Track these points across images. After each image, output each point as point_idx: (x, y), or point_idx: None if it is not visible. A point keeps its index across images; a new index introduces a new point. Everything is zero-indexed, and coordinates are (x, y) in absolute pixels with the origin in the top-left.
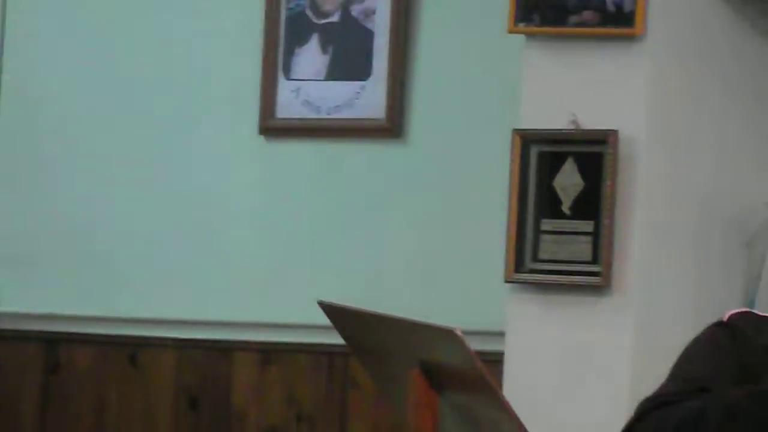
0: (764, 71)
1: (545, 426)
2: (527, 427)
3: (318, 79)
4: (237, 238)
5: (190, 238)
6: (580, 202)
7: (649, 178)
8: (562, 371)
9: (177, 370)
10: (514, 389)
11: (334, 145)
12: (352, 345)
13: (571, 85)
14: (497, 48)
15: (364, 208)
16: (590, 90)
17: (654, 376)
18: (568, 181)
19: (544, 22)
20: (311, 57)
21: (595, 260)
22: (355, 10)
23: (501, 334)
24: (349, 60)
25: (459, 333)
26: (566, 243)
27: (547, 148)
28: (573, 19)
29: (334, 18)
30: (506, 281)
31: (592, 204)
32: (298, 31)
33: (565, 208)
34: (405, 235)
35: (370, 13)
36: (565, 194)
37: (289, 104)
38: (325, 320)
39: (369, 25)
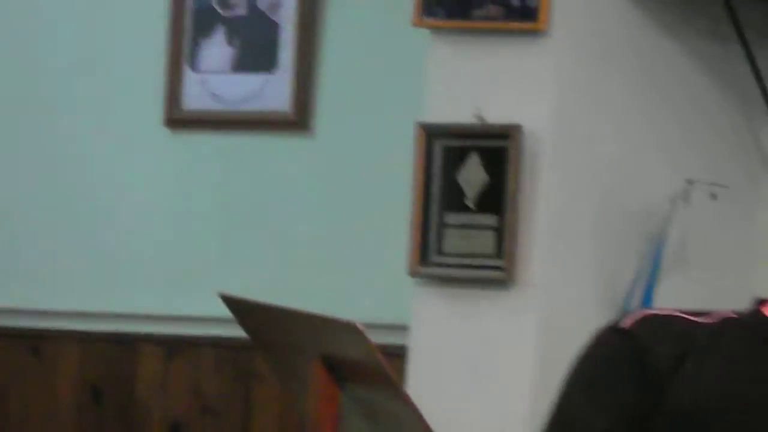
0: (665, 66)
1: (448, 419)
2: (430, 420)
3: (224, 71)
4: (142, 230)
5: (94, 229)
6: (484, 197)
7: (553, 172)
8: (466, 365)
9: (80, 363)
10: (418, 383)
11: (240, 137)
12: (254, 338)
13: (476, 80)
14: (403, 41)
15: (269, 200)
16: (495, 84)
17: (557, 369)
18: (473, 176)
19: (449, 15)
20: (217, 49)
21: (498, 254)
22: (262, 2)
23: (405, 328)
24: (255, 52)
25: (359, 326)
26: (470, 237)
27: (451, 142)
28: (478, 13)
29: (241, 10)
30: (410, 275)
31: (496, 198)
32: (205, 23)
33: (470, 202)
34: (310, 228)
35: (276, 5)
36: (470, 188)
37: (196, 96)
38: (229, 313)
39: (275, 18)
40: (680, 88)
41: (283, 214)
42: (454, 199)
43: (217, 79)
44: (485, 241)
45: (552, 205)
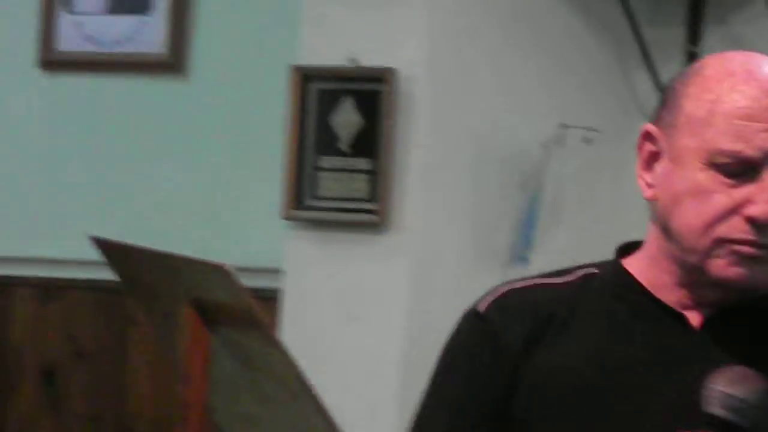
0: (540, 11)
1: (322, 362)
2: (303, 363)
3: (99, 12)
4: (15, 172)
5: None
6: (358, 140)
7: (427, 116)
8: (339, 308)
9: None
10: (292, 326)
11: (114, 79)
12: (125, 281)
13: (351, 23)
14: None
15: (144, 143)
16: (369, 28)
17: (429, 314)
18: (347, 119)
19: None
20: None
21: (372, 198)
22: None
23: (279, 272)
24: None
25: (229, 269)
26: (344, 181)
27: (325, 86)
28: None
29: None
30: (284, 218)
31: (371, 142)
32: None
33: (344, 145)
34: (185, 171)
35: None
36: (344, 132)
37: (70, 38)
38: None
39: None
40: (555, 33)
41: (157, 157)
42: (328, 142)
43: (91, 20)
44: (359, 185)
45: (426, 149)
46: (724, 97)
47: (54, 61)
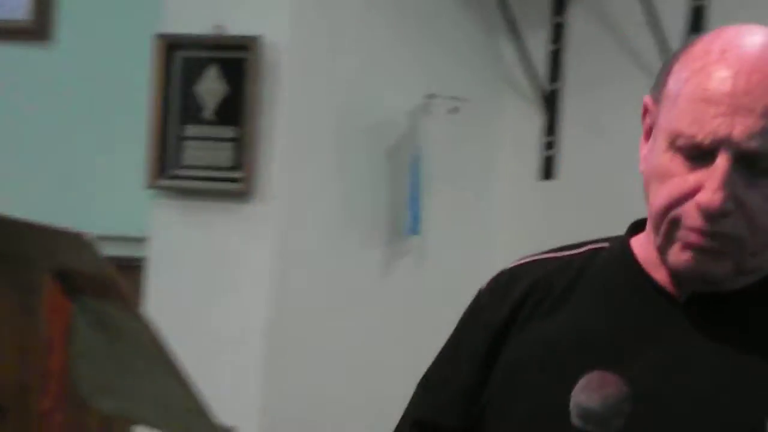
0: None
1: (187, 331)
2: (168, 332)
3: None
4: None
5: None
6: (223, 109)
7: (292, 85)
8: (205, 277)
9: None
10: (157, 295)
11: None
12: None
13: None
14: None
15: (7, 110)
16: None
17: (293, 283)
18: (212, 87)
19: None
20: None
21: (237, 167)
22: None
23: (144, 240)
24: None
25: (88, 237)
26: (209, 149)
27: (190, 54)
28: None
29: None
30: (148, 187)
31: (236, 110)
32: None
33: (209, 114)
34: (49, 139)
35: None
36: (209, 100)
37: None
38: None
39: None
40: (422, 2)
41: (20, 125)
42: (193, 111)
43: None
44: (224, 153)
45: (292, 117)
46: (692, 77)
47: None
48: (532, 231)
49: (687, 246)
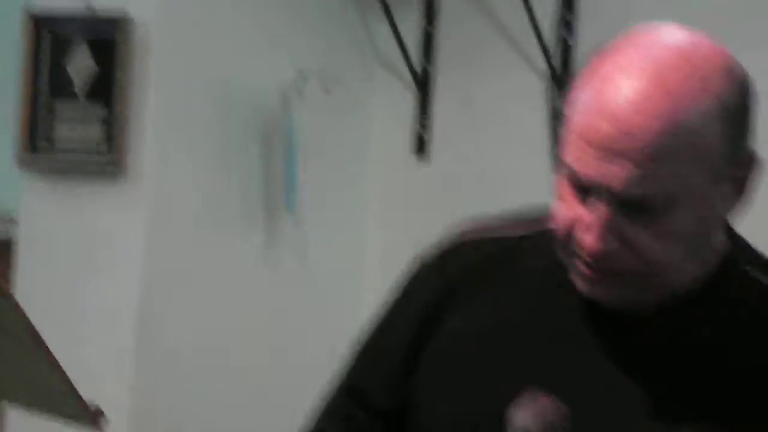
0: None
1: (58, 312)
2: (39, 313)
3: None
4: None
5: None
6: (94, 87)
7: (163, 64)
8: (76, 257)
9: None
10: (27, 276)
11: None
12: None
13: None
14: None
15: None
16: None
17: (166, 263)
18: (82, 65)
19: None
20: None
21: (108, 146)
22: None
23: (15, 220)
24: None
25: None
26: (80, 128)
27: (59, 31)
28: None
29: None
30: (18, 166)
31: (107, 89)
32: None
33: (79, 92)
34: None
35: None
36: (79, 78)
37: None
38: None
39: None
40: None
41: None
42: (63, 88)
43: None
44: (95, 132)
45: (163, 96)
46: (580, 109)
47: None
48: (406, 210)
49: (581, 275)
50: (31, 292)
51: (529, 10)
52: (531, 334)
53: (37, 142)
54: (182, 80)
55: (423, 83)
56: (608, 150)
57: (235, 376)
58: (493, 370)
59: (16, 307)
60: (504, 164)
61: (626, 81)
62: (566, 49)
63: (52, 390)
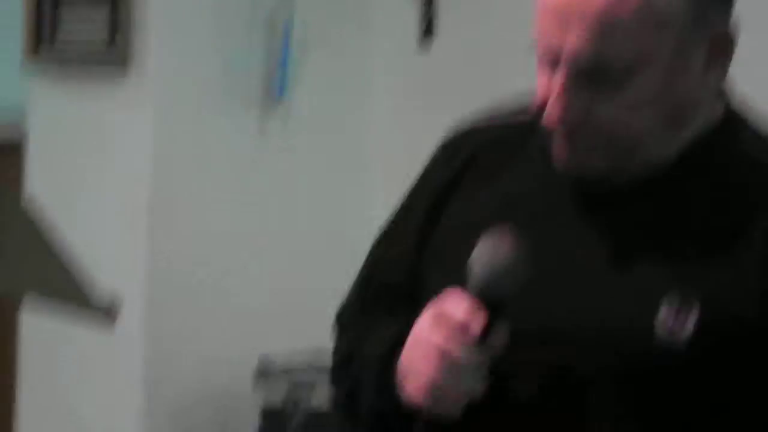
0: None
1: (70, 210)
2: (51, 207)
3: None
4: None
5: None
6: None
7: None
8: (86, 151)
9: None
10: (38, 174)
11: None
12: None
13: None
14: None
15: None
16: None
17: (174, 153)
18: None
19: None
20: None
21: (113, 38)
22: None
23: (24, 118)
24: None
25: None
26: (85, 23)
27: None
28: None
29: None
30: (25, 64)
31: None
32: None
33: None
34: None
35: None
36: None
37: None
38: None
39: None
40: None
41: None
42: None
43: None
44: (99, 26)
45: None
46: None
47: None
48: (411, 91)
49: (556, 151)
50: (42, 188)
51: None
52: (525, 211)
53: (43, 38)
54: None
55: None
56: (564, 16)
57: (246, 257)
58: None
59: (26, 204)
60: (511, 42)
61: None
62: None
63: (67, 283)
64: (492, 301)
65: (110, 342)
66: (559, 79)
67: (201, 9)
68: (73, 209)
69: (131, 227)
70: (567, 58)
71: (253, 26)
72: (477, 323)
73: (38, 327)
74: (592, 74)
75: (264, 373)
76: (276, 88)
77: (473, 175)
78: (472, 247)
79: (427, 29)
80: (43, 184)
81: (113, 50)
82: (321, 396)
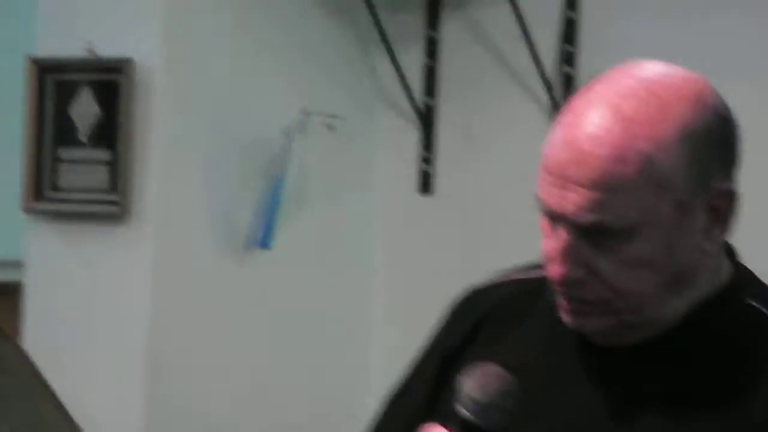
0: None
1: (66, 356)
2: (47, 357)
3: None
4: None
5: None
6: (97, 131)
7: (166, 106)
8: (83, 300)
9: None
10: (35, 320)
11: None
12: None
13: (87, 12)
14: None
15: None
16: (106, 17)
17: (173, 303)
18: (85, 110)
19: None
20: None
21: (113, 189)
22: None
23: (21, 264)
24: None
25: None
26: (84, 172)
27: (63, 77)
28: None
29: None
30: (24, 211)
31: (110, 133)
32: None
33: (83, 137)
34: None
35: None
36: (82, 123)
37: None
38: None
39: None
40: (294, 18)
41: None
42: (67, 133)
43: None
44: (100, 176)
45: (166, 138)
46: (551, 139)
47: None
48: (411, 247)
49: (561, 308)
50: (39, 336)
51: (530, 43)
52: (530, 370)
53: (42, 189)
54: (185, 121)
55: (426, 118)
56: (564, 177)
57: (249, 415)
58: None
59: (19, 350)
60: (510, 198)
61: (589, 112)
62: (568, 81)
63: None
64: (474, 430)
65: None
66: (560, 236)
67: (200, 161)
68: (69, 358)
69: (127, 378)
70: (567, 217)
71: (250, 177)
72: None
73: None
74: (592, 233)
75: None
76: (259, 238)
77: (485, 334)
78: None
79: (425, 183)
80: (39, 330)
81: (113, 199)
82: None
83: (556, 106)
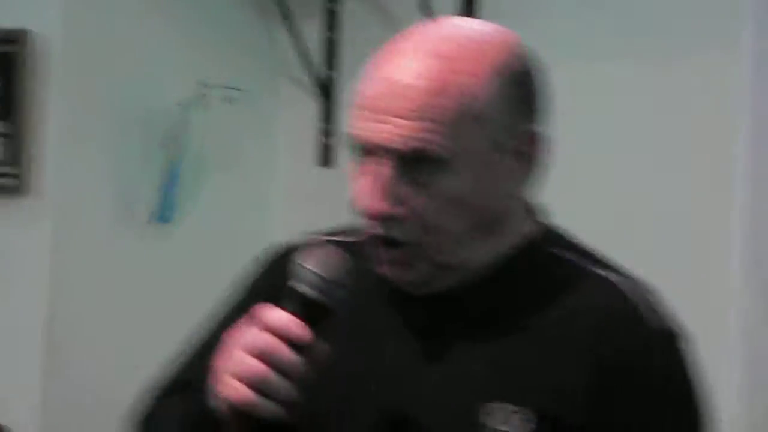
0: None
1: None
2: None
3: None
4: None
5: None
6: None
7: (65, 77)
8: None
9: None
10: None
11: None
12: None
13: None
14: None
15: None
16: None
17: (71, 277)
18: None
19: None
20: None
21: (11, 162)
22: None
23: None
24: None
25: None
26: None
27: None
28: None
29: None
30: None
31: (7, 105)
32: None
33: None
34: None
35: None
36: None
37: None
38: None
39: None
40: None
41: None
42: None
43: None
44: None
45: (65, 111)
46: (362, 80)
47: None
48: (310, 218)
49: (378, 261)
50: None
51: (430, 14)
52: (356, 330)
53: None
54: (84, 93)
55: (326, 90)
56: (384, 111)
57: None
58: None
59: None
60: None
61: (408, 53)
62: None
63: None
64: (316, 308)
65: None
66: (376, 171)
67: (99, 134)
68: None
69: (24, 353)
70: (383, 147)
71: (149, 150)
72: (301, 328)
73: None
74: (409, 164)
75: None
76: (160, 211)
77: None
78: None
79: (326, 156)
80: None
81: (10, 174)
82: None
83: None
